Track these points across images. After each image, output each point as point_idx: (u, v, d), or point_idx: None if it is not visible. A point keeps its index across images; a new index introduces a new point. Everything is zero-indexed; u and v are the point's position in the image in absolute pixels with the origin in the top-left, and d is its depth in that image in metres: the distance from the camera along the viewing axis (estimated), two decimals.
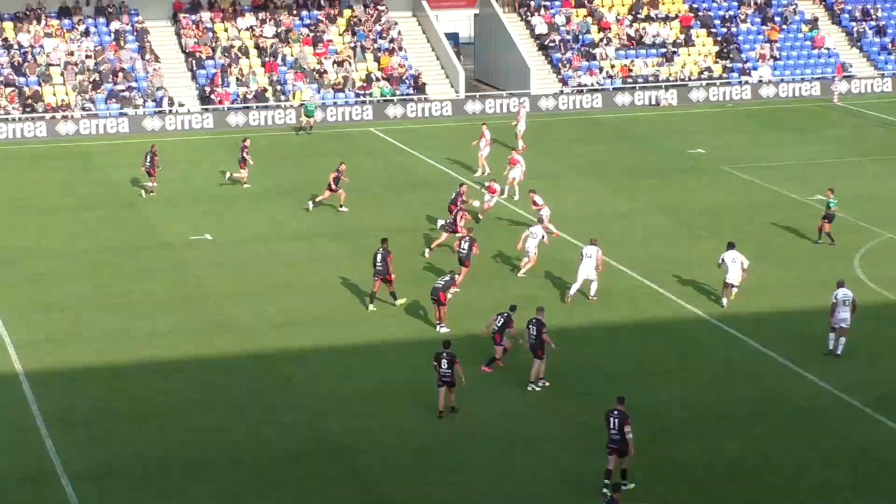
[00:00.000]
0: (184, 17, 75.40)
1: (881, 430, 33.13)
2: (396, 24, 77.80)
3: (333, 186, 52.30)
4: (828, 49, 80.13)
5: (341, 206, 52.52)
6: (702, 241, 48.25)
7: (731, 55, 78.45)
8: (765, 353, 37.94)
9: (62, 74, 70.97)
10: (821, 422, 33.69)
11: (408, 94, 73.47)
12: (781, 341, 38.70)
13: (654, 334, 39.71)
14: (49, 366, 37.35)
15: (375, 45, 76.08)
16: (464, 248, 42.80)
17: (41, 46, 72.02)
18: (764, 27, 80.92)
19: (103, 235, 50.12)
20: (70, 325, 40.60)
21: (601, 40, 78.52)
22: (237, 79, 72.18)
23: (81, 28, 73.88)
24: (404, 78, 74.18)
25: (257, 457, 31.69)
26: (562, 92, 75.35)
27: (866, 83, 78.75)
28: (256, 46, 74.75)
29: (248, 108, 70.89)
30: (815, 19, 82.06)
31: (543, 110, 73.44)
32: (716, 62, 78.25)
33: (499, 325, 36.18)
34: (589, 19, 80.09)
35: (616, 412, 29.51)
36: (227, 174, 57.12)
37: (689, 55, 78.50)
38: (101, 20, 74.74)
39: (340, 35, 76.72)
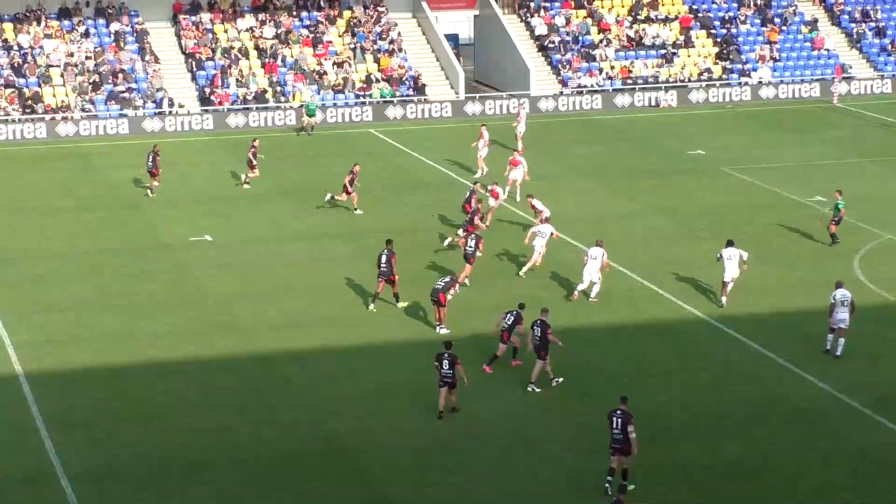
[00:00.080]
0: (184, 19, 75.43)
1: (881, 432, 33.14)
2: (396, 25, 77.83)
3: (349, 188, 52.33)
4: (827, 50, 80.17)
5: (356, 209, 52.50)
6: (701, 243, 48.25)
7: (730, 56, 78.48)
8: (764, 355, 37.95)
9: (62, 76, 71.00)
10: (820, 423, 33.70)
11: (408, 96, 73.49)
12: (781, 342, 38.71)
13: (654, 335, 39.73)
14: (49, 367, 37.35)
15: (375, 47, 76.11)
16: (470, 246, 43.08)
17: (41, 47, 72.05)
18: (764, 28, 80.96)
19: (103, 236, 50.14)
20: (70, 326, 40.61)
21: (601, 41, 78.56)
22: (237, 80, 72.21)
23: (81, 29, 73.91)
24: (404, 79, 74.21)
25: (258, 458, 31.69)
26: (561, 93, 75.38)
27: (866, 84, 78.79)
28: (256, 48, 74.78)
29: (247, 109, 70.92)
30: (815, 20, 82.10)
31: (543, 111, 73.46)
32: (715, 63, 78.28)
33: (508, 323, 36.22)
34: (589, 20, 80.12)
35: (619, 412, 29.54)
36: (244, 177, 57.15)
37: (688, 56, 78.53)
38: (101, 21, 74.76)
39: (340, 36, 76.75)
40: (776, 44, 79.86)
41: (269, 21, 76.30)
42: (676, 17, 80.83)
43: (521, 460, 31.53)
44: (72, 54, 72.01)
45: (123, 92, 70.39)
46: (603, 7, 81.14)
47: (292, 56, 74.50)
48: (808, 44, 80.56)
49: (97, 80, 70.77)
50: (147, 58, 72.73)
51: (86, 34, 73.74)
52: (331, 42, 75.83)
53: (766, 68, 78.19)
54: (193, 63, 73.25)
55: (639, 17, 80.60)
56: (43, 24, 73.43)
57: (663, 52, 78.25)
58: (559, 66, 76.86)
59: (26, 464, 31.46)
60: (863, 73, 79.78)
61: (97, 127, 68.37)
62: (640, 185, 57.33)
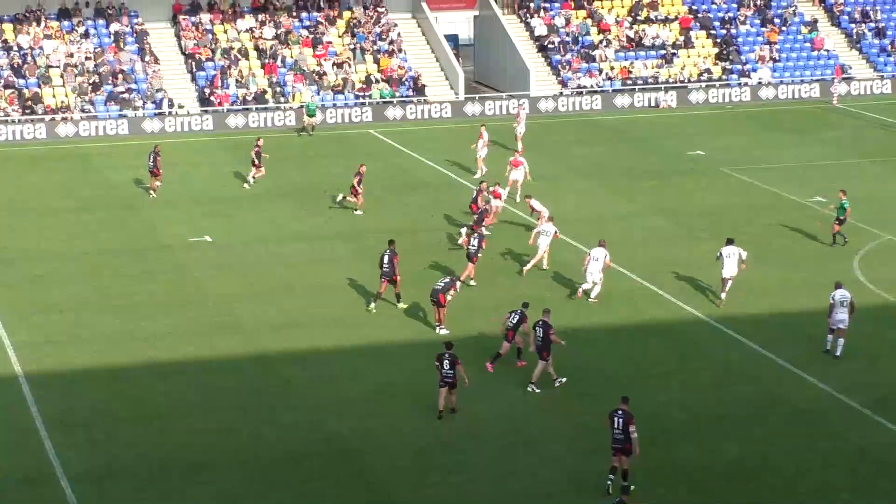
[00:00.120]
0: (183, 19, 75.42)
1: (881, 432, 33.15)
2: (396, 25, 77.84)
3: (357, 189, 52.33)
4: (827, 51, 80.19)
5: (357, 210, 52.50)
6: (701, 243, 48.25)
7: (730, 57, 78.49)
8: (764, 355, 37.95)
9: (62, 76, 70.99)
10: (820, 423, 33.71)
11: (407, 96, 73.50)
12: (781, 343, 38.72)
13: (654, 336, 39.74)
14: (49, 367, 37.35)
15: (375, 47, 76.12)
16: (473, 245, 43.22)
17: (41, 48, 72.05)
18: (763, 29, 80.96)
19: (103, 237, 50.14)
20: (70, 326, 40.60)
21: (601, 42, 78.57)
22: (237, 80, 72.21)
23: (81, 30, 73.91)
24: (404, 80, 74.21)
25: (258, 458, 31.69)
26: (561, 94, 75.39)
27: (865, 85, 78.81)
28: (256, 48, 74.78)
29: (247, 109, 70.93)
30: (815, 21, 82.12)
31: (543, 112, 73.46)
32: (715, 64, 78.29)
33: (513, 322, 36.22)
34: (588, 21, 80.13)
35: (620, 412, 29.53)
36: (250, 175, 57.13)
37: (688, 57, 78.54)
38: (101, 22, 74.76)
39: (340, 37, 76.75)
40: (776, 44, 79.87)
41: (269, 22, 76.32)
42: (676, 18, 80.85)
43: (522, 460, 31.53)
44: (71, 55, 72.02)
45: (123, 92, 70.39)
46: (603, 7, 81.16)
47: (292, 57, 74.51)
48: (807, 44, 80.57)
49: (97, 80, 70.77)
50: (147, 58, 72.74)
51: (85, 35, 73.75)
52: (330, 43, 75.84)
53: (765, 69, 78.20)
54: (193, 64, 73.26)
55: (638, 17, 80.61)
56: (43, 24, 73.43)
57: (663, 52, 78.26)
58: (559, 66, 76.88)
59: (26, 464, 31.46)
60: (862, 74, 79.80)
61: (97, 127, 68.37)
62: (639, 186, 57.34)
